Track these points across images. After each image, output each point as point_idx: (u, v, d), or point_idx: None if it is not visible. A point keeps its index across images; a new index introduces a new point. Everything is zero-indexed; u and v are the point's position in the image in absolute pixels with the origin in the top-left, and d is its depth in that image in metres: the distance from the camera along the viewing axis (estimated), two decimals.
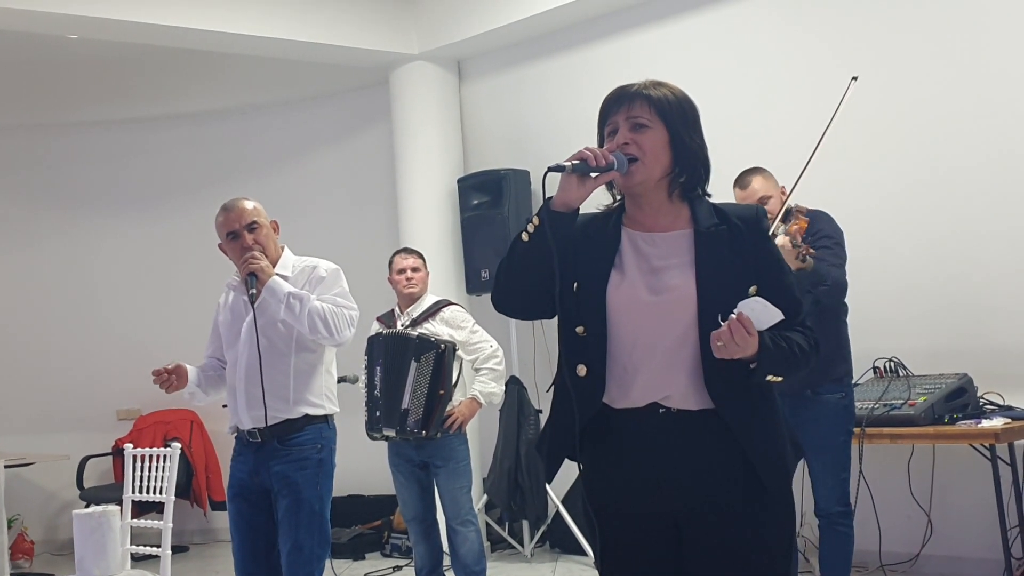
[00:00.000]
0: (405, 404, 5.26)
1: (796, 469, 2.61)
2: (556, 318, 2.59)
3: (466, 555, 5.38)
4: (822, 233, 4.41)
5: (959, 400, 4.99)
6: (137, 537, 5.47)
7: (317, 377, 4.09)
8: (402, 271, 5.54)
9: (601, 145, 2.62)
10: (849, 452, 4.46)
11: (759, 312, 2.39)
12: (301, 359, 4.05)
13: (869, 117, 5.85)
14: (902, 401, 4.98)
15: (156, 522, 5.32)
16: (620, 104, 2.60)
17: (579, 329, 2.55)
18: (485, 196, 7.33)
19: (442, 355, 5.27)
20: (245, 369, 4.03)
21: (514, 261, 2.56)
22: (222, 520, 8.42)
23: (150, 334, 8.57)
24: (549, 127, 7.38)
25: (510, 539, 7.14)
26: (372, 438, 5.45)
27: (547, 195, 2.50)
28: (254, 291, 3.95)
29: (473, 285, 7.27)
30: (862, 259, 5.72)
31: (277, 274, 4.02)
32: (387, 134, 8.00)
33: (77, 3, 6.43)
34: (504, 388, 5.48)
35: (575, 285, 2.55)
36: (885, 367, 5.27)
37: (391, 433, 5.31)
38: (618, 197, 2.67)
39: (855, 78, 4.46)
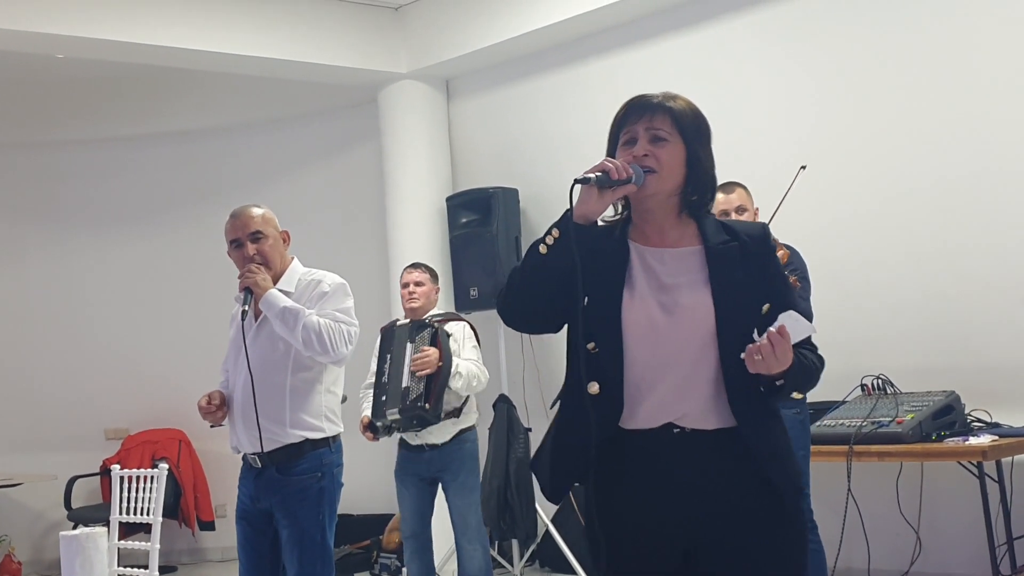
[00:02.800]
0: (405, 382, 5.24)
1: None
2: (562, 333, 2.56)
3: (474, 573, 5.37)
4: (793, 267, 4.48)
5: (947, 417, 5.00)
6: (125, 558, 5.45)
7: (315, 397, 3.98)
8: (406, 285, 5.55)
9: (613, 153, 2.59)
10: (808, 468, 4.49)
11: (792, 326, 2.37)
12: (298, 378, 3.95)
13: (853, 133, 5.88)
14: (890, 419, 4.98)
15: (144, 543, 5.30)
16: (641, 114, 2.56)
17: (590, 346, 2.49)
18: (474, 214, 7.33)
19: (436, 332, 5.26)
20: (242, 389, 3.94)
21: (528, 273, 2.51)
22: (211, 540, 8.40)
23: (138, 353, 8.55)
24: (537, 145, 7.40)
25: (500, 558, 7.12)
26: (375, 428, 5.37)
27: (571, 206, 2.46)
28: (247, 307, 3.90)
29: (462, 303, 7.27)
30: (848, 277, 5.75)
31: (280, 289, 3.95)
32: (376, 152, 8.00)
33: (64, 23, 6.44)
34: (465, 383, 5.37)
35: (585, 300, 2.50)
36: (873, 385, 5.27)
37: (395, 415, 5.24)
38: (622, 209, 2.64)
39: (803, 167, 4.54)
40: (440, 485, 5.42)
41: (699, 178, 2.56)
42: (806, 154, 5.87)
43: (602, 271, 2.52)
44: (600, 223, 2.61)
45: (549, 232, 2.47)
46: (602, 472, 2.50)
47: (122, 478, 5.48)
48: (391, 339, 5.45)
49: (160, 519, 5.28)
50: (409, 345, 5.31)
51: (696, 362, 2.45)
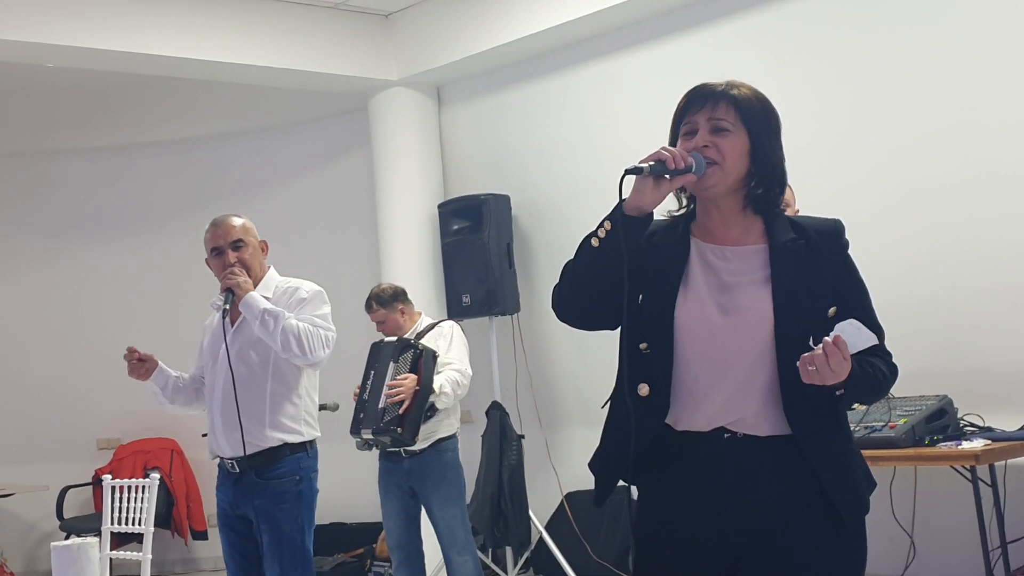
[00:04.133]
0: (382, 403, 5.23)
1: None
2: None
3: None
4: None
5: (939, 422, 4.99)
6: (117, 568, 5.45)
7: (295, 401, 4.07)
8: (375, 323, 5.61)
9: (674, 144, 2.45)
10: None
11: (852, 335, 2.26)
12: (278, 382, 4.04)
13: (844, 139, 5.89)
14: (883, 423, 4.97)
15: (136, 553, 5.29)
16: (703, 103, 2.44)
17: (643, 345, 2.40)
18: (466, 221, 7.32)
19: (419, 355, 5.25)
20: (221, 391, 4.03)
21: (580, 267, 2.40)
22: (203, 550, 8.38)
23: None
24: (529, 152, 7.39)
25: (493, 566, 7.11)
26: (357, 446, 5.41)
27: (621, 198, 2.34)
28: (227, 307, 3.97)
29: (454, 310, 7.26)
30: None
31: (260, 295, 4.02)
32: (367, 160, 8.00)
33: (55, 32, 6.42)
34: (451, 397, 5.37)
35: (639, 297, 2.40)
36: None
37: (368, 435, 5.26)
38: (686, 203, 2.52)
39: None
40: (419, 497, 5.41)
41: (765, 171, 2.44)
42: (800, 161, 5.88)
43: (660, 267, 2.42)
44: (665, 216, 2.51)
45: (601, 224, 2.37)
46: (649, 474, 2.42)
47: (114, 488, 5.46)
48: (377, 355, 5.44)
49: (152, 529, 5.27)
50: (392, 365, 5.30)
51: (753, 366, 2.35)
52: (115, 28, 6.62)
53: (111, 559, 5.34)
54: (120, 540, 5.70)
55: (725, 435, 2.35)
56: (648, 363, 2.39)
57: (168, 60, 6.90)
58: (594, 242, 2.36)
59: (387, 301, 5.59)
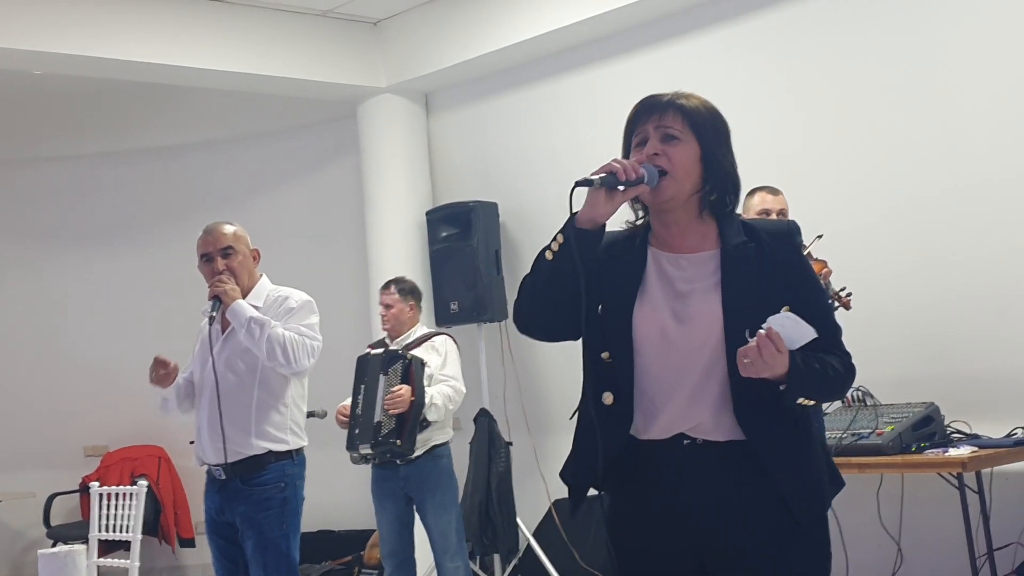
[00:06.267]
0: (377, 417, 5.23)
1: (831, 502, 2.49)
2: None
3: None
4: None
5: (926, 429, 5.01)
6: (105, 575, 5.42)
7: (281, 410, 4.08)
8: (381, 305, 5.58)
9: (627, 156, 2.48)
10: None
11: (790, 329, 2.26)
12: (264, 391, 4.06)
13: (830, 148, 5.91)
14: (870, 430, 4.99)
15: (123, 560, 5.28)
16: (651, 113, 2.46)
17: (604, 355, 2.43)
18: (454, 228, 7.32)
19: (409, 364, 5.25)
20: (208, 399, 4.05)
21: (538, 281, 2.42)
22: (191, 557, 8.36)
23: (117, 370, 8.49)
24: (517, 159, 7.40)
25: (481, 573, 7.10)
26: (353, 460, 5.40)
27: (573, 211, 2.36)
28: (214, 314, 3.99)
29: (442, 317, 7.26)
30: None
31: (249, 303, 4.04)
32: (355, 167, 7.99)
33: (41, 39, 6.41)
34: (442, 410, 5.39)
35: (599, 308, 2.42)
36: (853, 396, 5.27)
37: (367, 450, 5.25)
38: (642, 214, 2.53)
39: (820, 236, 4.73)
40: (415, 504, 5.40)
41: (717, 177, 2.45)
42: (787, 170, 5.91)
43: (618, 278, 2.44)
44: (625, 227, 2.54)
45: (555, 238, 2.39)
46: (616, 483, 2.45)
47: (101, 495, 5.45)
48: (365, 368, 5.42)
49: (140, 536, 5.26)
50: (382, 377, 5.29)
51: (706, 372, 2.36)
52: (101, 35, 6.61)
53: (98, 567, 5.33)
54: (107, 547, 5.69)
55: (685, 441, 2.38)
56: (611, 372, 2.43)
57: (155, 67, 6.89)
58: (548, 256, 2.39)
59: (406, 290, 5.61)
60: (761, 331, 2.24)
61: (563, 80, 7.17)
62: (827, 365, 2.38)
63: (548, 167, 7.07)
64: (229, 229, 4.15)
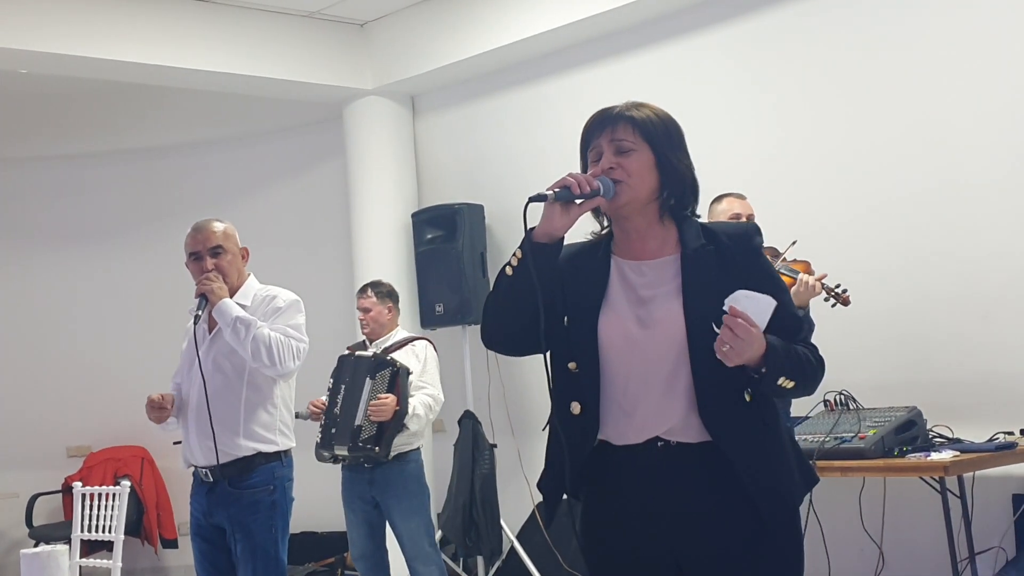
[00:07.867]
0: (358, 420, 5.21)
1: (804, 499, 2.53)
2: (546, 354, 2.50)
3: None
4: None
5: (909, 433, 5.03)
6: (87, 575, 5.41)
7: (270, 411, 4.05)
8: (359, 309, 5.57)
9: (585, 171, 2.52)
10: None
11: (749, 305, 2.28)
12: (252, 391, 4.02)
13: (813, 151, 5.92)
14: (852, 434, 5.00)
15: (106, 561, 5.27)
16: (603, 127, 2.51)
17: (571, 365, 2.46)
18: (439, 230, 7.33)
19: (397, 373, 5.24)
20: (196, 400, 4.01)
21: (500, 296, 2.47)
22: (174, 558, 8.34)
23: (100, 370, 8.48)
24: (503, 161, 7.41)
25: (464, 575, 7.11)
26: (321, 458, 5.38)
27: (528, 226, 2.39)
28: (200, 312, 3.97)
29: (428, 319, 7.26)
30: None
31: (237, 303, 4.01)
32: (341, 169, 7.99)
33: (27, 38, 6.39)
34: (423, 420, 5.40)
35: (565, 319, 2.46)
36: (835, 400, 5.29)
37: (343, 452, 5.24)
38: (606, 224, 2.57)
39: (795, 242, 4.75)
40: (382, 508, 5.39)
41: (674, 181, 2.49)
42: (767, 172, 5.93)
43: (583, 288, 2.48)
44: (587, 238, 2.57)
45: (514, 253, 2.42)
46: (588, 488, 2.48)
47: (84, 496, 5.44)
48: (348, 368, 5.40)
49: (122, 537, 5.25)
50: (368, 381, 5.26)
51: (673, 374, 2.40)
52: (88, 35, 6.60)
53: (81, 567, 5.32)
54: (90, 548, 5.68)
55: (659, 444, 2.41)
56: (577, 382, 2.46)
57: (141, 67, 6.88)
58: (508, 271, 2.43)
59: (383, 293, 5.60)
60: (724, 311, 2.28)
61: (549, 83, 7.18)
62: (799, 351, 2.43)
63: (534, 169, 7.06)
64: (219, 227, 4.13)
